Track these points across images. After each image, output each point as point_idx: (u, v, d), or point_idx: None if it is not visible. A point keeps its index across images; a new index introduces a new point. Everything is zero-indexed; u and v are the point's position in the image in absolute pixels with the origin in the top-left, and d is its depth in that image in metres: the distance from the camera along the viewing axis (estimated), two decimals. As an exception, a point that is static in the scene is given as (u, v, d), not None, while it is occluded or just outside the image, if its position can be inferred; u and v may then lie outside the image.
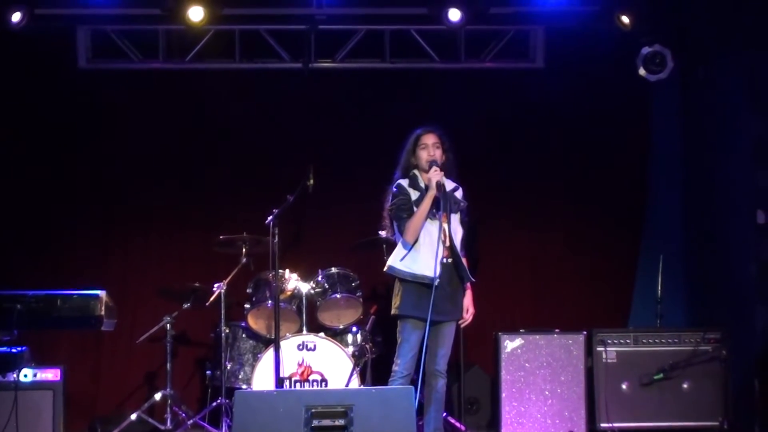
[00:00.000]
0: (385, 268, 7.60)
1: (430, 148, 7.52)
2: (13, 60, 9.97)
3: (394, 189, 7.56)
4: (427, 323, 7.16)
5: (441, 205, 7.33)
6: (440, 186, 7.35)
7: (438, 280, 7.25)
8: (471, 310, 7.61)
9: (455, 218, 7.50)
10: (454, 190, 7.59)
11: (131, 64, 10.43)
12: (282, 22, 10.20)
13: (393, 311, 7.51)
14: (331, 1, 9.46)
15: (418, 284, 7.36)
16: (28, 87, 10.17)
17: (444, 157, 7.55)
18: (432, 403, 7.42)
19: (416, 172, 7.57)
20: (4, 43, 9.64)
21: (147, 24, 10.13)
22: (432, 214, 7.37)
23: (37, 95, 10.21)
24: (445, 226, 7.37)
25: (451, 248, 7.44)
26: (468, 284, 7.59)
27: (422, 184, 7.49)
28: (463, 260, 7.52)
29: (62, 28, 10.06)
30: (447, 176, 7.52)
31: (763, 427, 8.70)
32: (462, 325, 7.66)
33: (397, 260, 7.46)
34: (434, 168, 7.39)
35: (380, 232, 8.12)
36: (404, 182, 7.56)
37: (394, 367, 7.40)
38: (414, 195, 7.48)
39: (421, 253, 7.38)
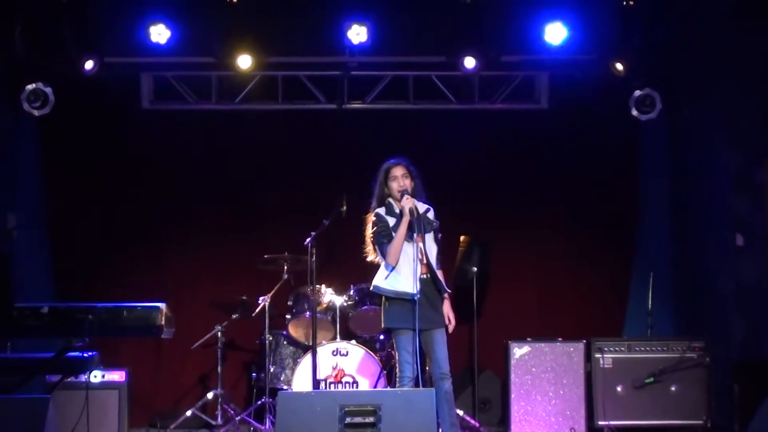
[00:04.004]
0: (371, 288, 7.62)
1: (399, 179, 7.50)
2: (86, 102, 10.04)
3: (373, 217, 7.55)
4: (416, 332, 7.19)
5: (415, 228, 7.32)
6: (413, 212, 7.33)
7: (419, 295, 7.23)
8: (451, 316, 7.54)
9: (429, 237, 7.47)
10: (426, 211, 7.55)
11: (188, 105, 10.51)
12: (319, 68, 10.28)
13: (383, 325, 7.53)
14: (362, 51, 9.48)
15: (401, 300, 7.35)
16: (99, 124, 10.22)
17: (413, 184, 7.52)
18: (444, 403, 7.31)
19: (390, 200, 7.56)
20: (78, 87, 9.73)
21: (202, 70, 10.22)
22: (408, 237, 7.35)
23: (107, 131, 10.27)
24: (421, 245, 7.36)
25: (428, 265, 7.42)
26: (446, 294, 7.54)
27: (397, 210, 7.48)
28: (439, 273, 7.50)
29: (128, 74, 10.16)
30: (418, 199, 7.49)
31: (742, 424, 8.65)
32: (450, 331, 7.58)
33: (381, 280, 7.47)
34: (406, 196, 7.38)
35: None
36: (381, 210, 7.54)
37: (400, 374, 7.36)
38: (391, 221, 7.46)
39: (402, 272, 7.36)
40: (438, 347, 7.41)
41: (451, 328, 7.55)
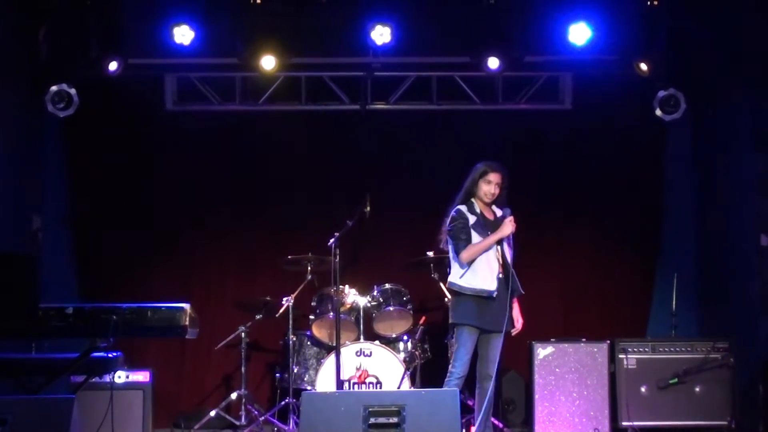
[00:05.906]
0: (446, 284, 7.74)
1: (493, 185, 7.61)
2: (110, 103, 10.07)
3: (454, 213, 7.62)
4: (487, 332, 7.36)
5: (503, 243, 7.52)
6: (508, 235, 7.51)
7: (496, 293, 7.34)
8: (520, 319, 7.68)
9: (506, 240, 7.58)
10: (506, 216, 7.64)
11: (211, 107, 10.53)
12: (342, 69, 10.28)
13: (451, 320, 7.60)
14: (386, 51, 9.47)
15: (476, 297, 7.42)
16: (123, 126, 10.25)
17: (501, 195, 7.63)
18: (483, 402, 7.48)
19: (473, 200, 7.64)
20: (103, 88, 9.75)
21: (225, 71, 10.23)
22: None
23: (131, 133, 10.29)
24: (498, 246, 7.48)
25: (504, 265, 7.50)
26: (516, 297, 7.61)
27: (478, 210, 7.60)
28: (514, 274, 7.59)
29: (152, 75, 10.21)
30: (501, 207, 7.64)
31: (767, 425, 8.62)
32: (513, 334, 7.68)
33: (457, 277, 7.55)
34: (510, 218, 7.49)
35: (430, 252, 8.09)
36: (463, 208, 7.61)
37: (451, 369, 7.47)
38: (471, 219, 7.55)
39: (478, 270, 7.46)
40: (493, 349, 7.53)
41: (515, 331, 7.69)
